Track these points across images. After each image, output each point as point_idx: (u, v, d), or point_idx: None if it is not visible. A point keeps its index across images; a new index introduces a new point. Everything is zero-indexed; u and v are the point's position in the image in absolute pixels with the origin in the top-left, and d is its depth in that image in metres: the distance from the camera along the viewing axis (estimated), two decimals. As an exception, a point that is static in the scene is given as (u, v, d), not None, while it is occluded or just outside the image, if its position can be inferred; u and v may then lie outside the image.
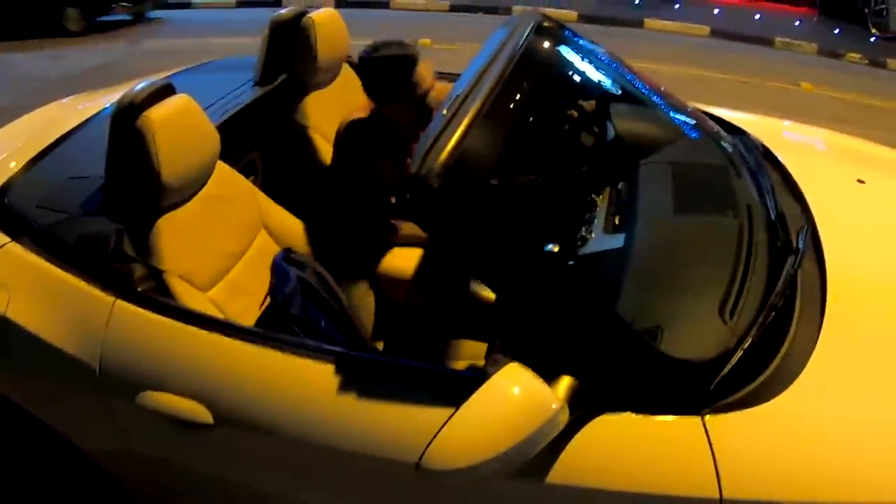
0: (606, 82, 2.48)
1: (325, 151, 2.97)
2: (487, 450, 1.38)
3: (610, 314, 1.63)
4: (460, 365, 2.51)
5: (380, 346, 2.61)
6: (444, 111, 1.68)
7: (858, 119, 7.52)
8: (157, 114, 2.04)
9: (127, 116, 2.03)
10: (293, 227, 2.61)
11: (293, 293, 2.10)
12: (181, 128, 2.12)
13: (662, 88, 2.62)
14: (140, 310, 1.92)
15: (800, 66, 10.41)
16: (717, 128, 2.63)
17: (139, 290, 1.96)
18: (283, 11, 3.16)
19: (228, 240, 2.34)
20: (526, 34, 2.09)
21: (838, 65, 11.13)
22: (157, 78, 2.32)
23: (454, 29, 10.70)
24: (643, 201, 2.13)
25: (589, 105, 2.40)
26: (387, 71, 2.67)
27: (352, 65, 3.37)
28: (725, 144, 2.49)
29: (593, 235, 2.02)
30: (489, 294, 2.52)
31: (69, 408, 2.05)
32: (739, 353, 1.60)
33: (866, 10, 13.61)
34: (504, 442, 1.38)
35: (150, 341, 1.90)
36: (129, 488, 2.20)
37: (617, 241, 2.00)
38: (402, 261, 2.74)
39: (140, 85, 2.13)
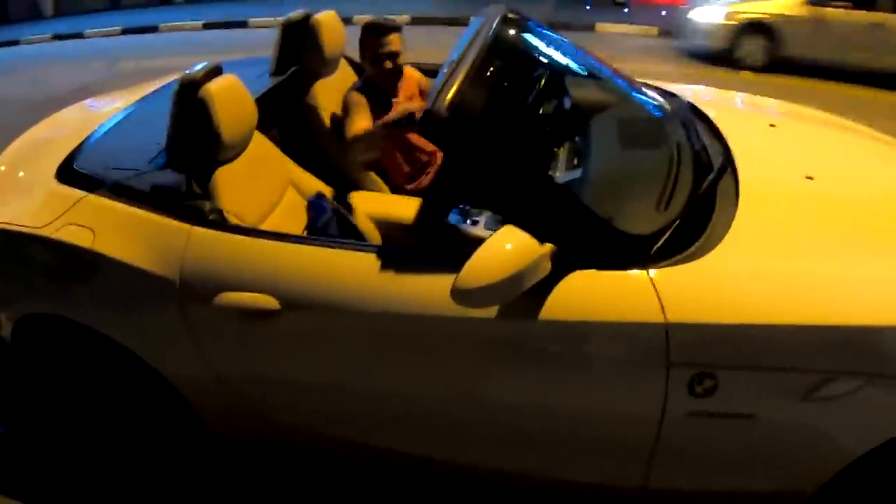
0: (561, 58, 3.11)
1: (330, 125, 3.62)
2: (497, 273, 1.96)
3: (580, 205, 2.24)
4: None
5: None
6: (445, 70, 2.31)
7: (794, 99, 8.17)
8: (215, 86, 2.61)
9: (190, 90, 2.61)
10: (314, 184, 3.21)
11: (329, 221, 2.73)
12: (232, 99, 2.69)
13: (607, 63, 3.25)
14: (214, 232, 2.45)
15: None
16: (653, 93, 3.27)
17: (210, 218, 2.50)
18: (292, 14, 3.83)
19: (267, 191, 2.90)
20: (496, 22, 2.71)
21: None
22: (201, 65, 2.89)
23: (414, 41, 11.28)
24: (595, 142, 2.76)
25: (547, 77, 3.03)
26: (367, 30, 3.48)
27: (347, 60, 4.09)
28: (660, 101, 3.13)
29: (558, 175, 2.64)
30: (478, 232, 3.10)
31: (149, 326, 2.53)
32: (670, 232, 2.21)
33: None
34: (506, 270, 1.97)
35: (224, 254, 2.42)
36: (198, 413, 2.70)
37: (577, 173, 2.63)
38: (404, 210, 3.31)
39: (196, 67, 2.70)
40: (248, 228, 2.53)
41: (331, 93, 3.69)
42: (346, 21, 3.86)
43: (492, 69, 2.39)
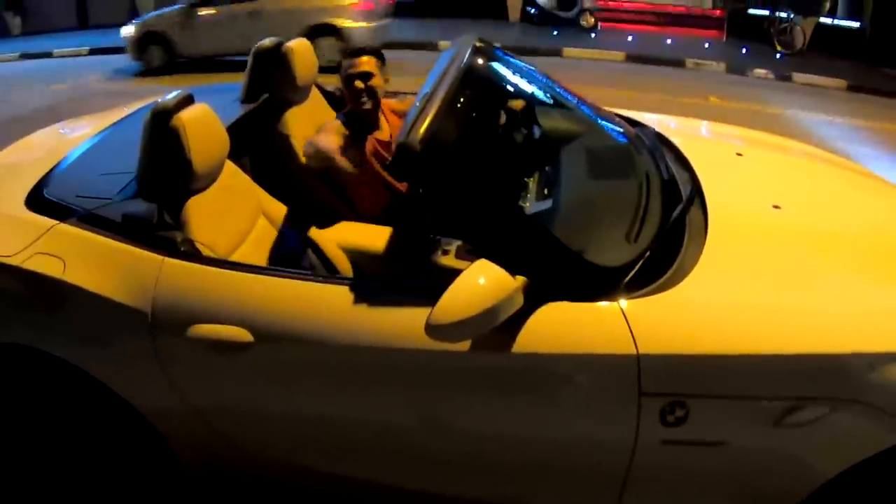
0: (531, 88, 3.15)
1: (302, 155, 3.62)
2: (471, 308, 1.99)
3: (551, 238, 2.28)
4: None
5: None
6: (417, 103, 2.34)
7: (761, 126, 8.30)
8: (187, 116, 2.60)
9: (162, 119, 2.59)
10: (284, 213, 3.19)
11: (300, 252, 2.78)
12: (205, 128, 2.67)
13: (576, 93, 3.30)
14: (185, 263, 2.45)
15: (709, 84, 11.28)
16: (621, 121, 3.32)
17: (182, 249, 2.49)
18: (264, 41, 3.83)
19: (238, 221, 2.89)
20: (468, 52, 2.75)
21: (745, 80, 12.03)
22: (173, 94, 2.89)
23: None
24: (565, 172, 2.81)
25: (517, 105, 3.07)
26: (342, 54, 3.55)
27: (319, 88, 4.10)
28: (628, 130, 3.18)
29: (528, 206, 2.67)
30: (448, 262, 3.13)
31: (121, 357, 2.50)
32: (641, 263, 2.25)
33: (772, 31, 14.59)
34: (480, 305, 1.99)
35: (196, 286, 2.42)
36: (170, 445, 2.66)
37: (547, 195, 2.67)
38: (375, 240, 3.32)
39: (168, 96, 2.68)
40: (220, 260, 2.53)
41: (302, 121, 3.70)
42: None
43: (463, 101, 2.43)
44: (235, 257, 2.75)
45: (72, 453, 2.94)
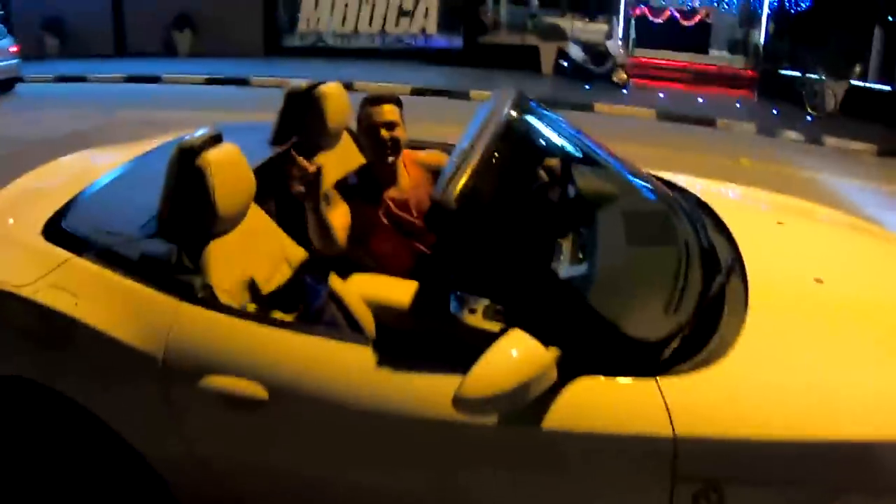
0: (569, 146, 3.06)
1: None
2: (503, 384, 1.87)
3: (586, 306, 2.17)
4: None
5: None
6: (454, 159, 2.24)
7: (793, 191, 8.20)
8: (214, 156, 2.52)
9: (188, 157, 2.51)
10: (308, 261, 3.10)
11: (323, 307, 2.60)
12: (231, 169, 2.59)
13: (613, 152, 3.21)
14: (202, 310, 2.35)
15: (740, 145, 11.13)
16: (659, 183, 3.22)
17: (199, 295, 2.40)
18: (296, 83, 3.75)
19: (260, 268, 2.78)
20: (506, 107, 2.66)
21: (776, 142, 11.88)
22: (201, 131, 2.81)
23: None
24: (602, 236, 2.70)
25: (554, 165, 2.98)
26: (361, 104, 3.29)
27: (350, 133, 3.97)
28: (668, 195, 3.08)
29: (563, 269, 2.57)
30: (475, 322, 3.02)
31: (128, 400, 2.41)
32: (681, 337, 2.13)
33: (803, 93, 14.44)
34: (513, 381, 1.88)
35: (212, 335, 2.32)
36: (173, 492, 2.55)
37: (583, 261, 2.56)
38: (400, 293, 3.18)
39: (196, 133, 2.61)
40: (238, 310, 2.44)
41: (330, 167, 3.56)
42: (348, 87, 3.81)
43: (501, 158, 2.35)
44: (255, 305, 2.65)
45: (70, 493, 2.82)
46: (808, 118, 13.68)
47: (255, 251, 2.79)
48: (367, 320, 2.93)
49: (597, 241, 2.67)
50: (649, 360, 2.07)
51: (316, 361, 2.24)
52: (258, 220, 2.87)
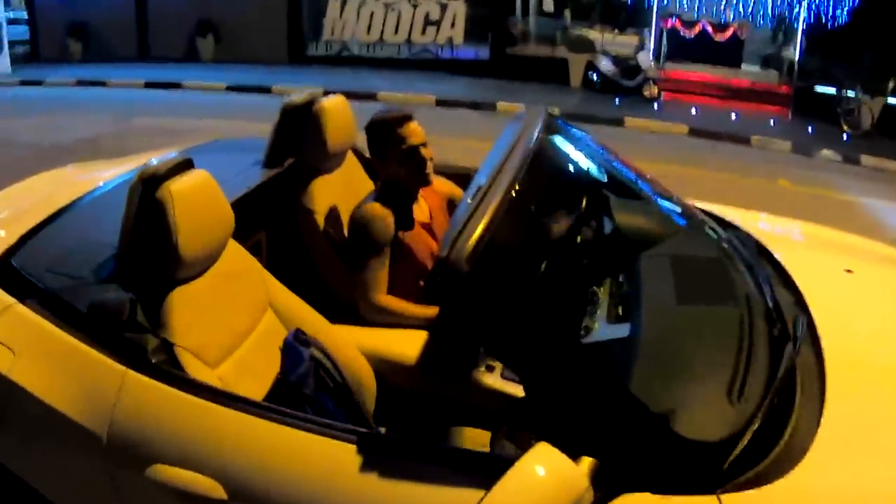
0: (606, 177, 2.62)
1: (328, 235, 3.08)
2: None
3: (627, 397, 1.71)
4: None
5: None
6: (469, 200, 1.80)
7: (832, 215, 7.76)
8: (178, 186, 2.10)
9: (148, 187, 2.10)
10: (299, 309, 2.63)
11: (306, 374, 2.17)
12: (199, 202, 2.18)
13: (658, 183, 2.76)
14: (153, 381, 1.94)
15: (777, 164, 10.66)
16: (710, 221, 2.76)
17: (152, 361, 1.99)
18: (294, 97, 3.26)
19: (237, 317, 2.36)
20: (537, 131, 2.23)
21: (812, 162, 11.42)
22: (174, 152, 2.40)
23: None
24: (646, 292, 2.24)
25: (587, 199, 2.54)
26: (381, 126, 2.93)
27: (356, 153, 3.52)
28: (720, 237, 2.62)
29: (597, 326, 2.13)
30: (492, 382, 2.59)
31: (70, 479, 2.04)
32: (749, 434, 1.67)
33: (838, 110, 13.98)
34: None
35: (163, 414, 1.91)
36: None
37: (621, 330, 2.11)
38: (405, 346, 2.77)
39: (161, 158, 2.22)
40: (195, 382, 1.99)
41: (331, 193, 3.17)
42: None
43: (526, 200, 1.91)
44: (231, 363, 2.23)
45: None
46: (844, 136, 13.18)
47: (232, 298, 2.35)
48: (364, 374, 2.52)
49: (639, 299, 2.21)
50: (710, 470, 1.61)
51: (289, 458, 1.81)
52: (236, 261, 2.43)
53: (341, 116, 3.21)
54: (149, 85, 14.94)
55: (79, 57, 17.92)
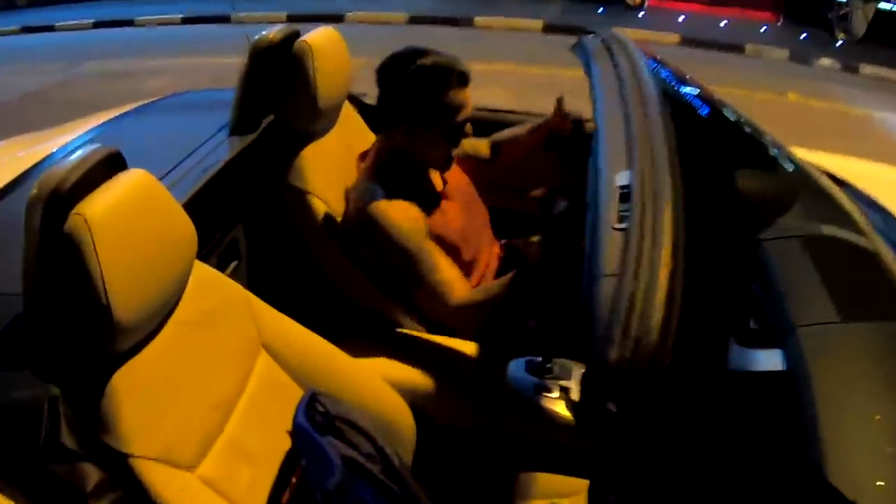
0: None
1: (329, 223, 2.29)
2: None
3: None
4: None
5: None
6: (618, 224, 1.10)
7: (856, 132, 7.21)
8: (97, 209, 1.33)
9: (53, 212, 1.33)
10: (301, 343, 1.91)
11: (341, 489, 1.48)
12: (136, 228, 1.40)
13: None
14: None
15: (778, 75, 10.16)
16: (835, 183, 2.11)
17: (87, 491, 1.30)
18: (267, 33, 2.39)
19: (216, 381, 1.65)
20: (651, 84, 1.54)
21: (813, 72, 10.94)
22: (94, 126, 1.63)
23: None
24: (792, 302, 1.57)
25: None
26: (435, 80, 2.11)
27: (352, 100, 2.75)
28: (863, 209, 1.97)
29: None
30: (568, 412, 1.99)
31: None
32: None
33: (830, 15, 13.43)
34: None
35: None
36: None
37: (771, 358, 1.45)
38: (447, 371, 2.15)
39: (72, 156, 1.41)
40: None
41: (328, 163, 2.39)
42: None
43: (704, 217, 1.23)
44: (218, 452, 1.56)
45: None
46: (838, 43, 12.70)
47: (205, 354, 1.63)
48: (402, 416, 1.91)
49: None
50: None
51: None
52: (206, 295, 1.68)
53: (334, 57, 2.39)
54: (98, 24, 13.85)
55: (25, 3, 16.61)
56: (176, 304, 1.56)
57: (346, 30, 2.44)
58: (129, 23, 13.69)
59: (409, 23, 12.32)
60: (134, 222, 1.38)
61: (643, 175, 1.14)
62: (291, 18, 11.75)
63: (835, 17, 13.35)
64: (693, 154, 1.36)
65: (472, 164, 2.60)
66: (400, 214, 2.13)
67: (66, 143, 2.41)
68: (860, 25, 12.98)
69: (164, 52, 10.52)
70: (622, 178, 1.19)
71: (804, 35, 13.02)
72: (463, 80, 2.12)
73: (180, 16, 13.66)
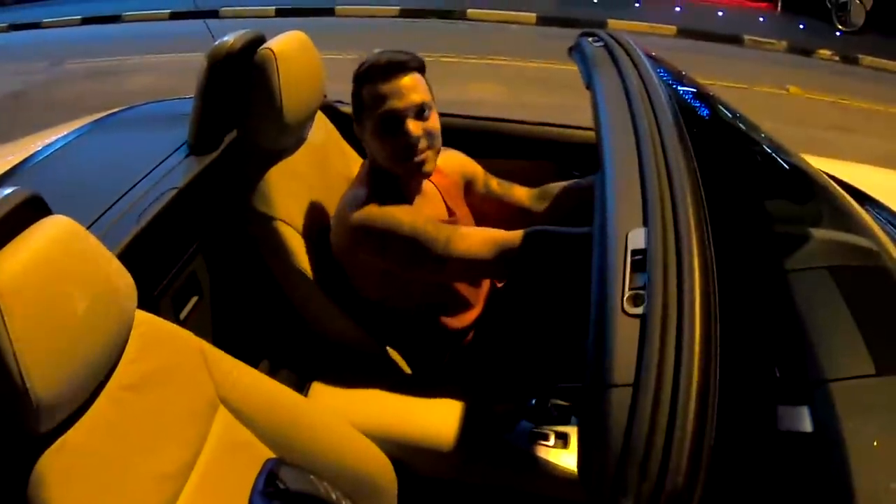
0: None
1: (300, 252, 2.03)
2: None
3: None
4: None
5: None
6: (632, 309, 0.88)
7: (860, 126, 7.04)
8: (6, 273, 1.12)
9: None
10: (266, 392, 1.68)
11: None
12: (56, 290, 1.19)
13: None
14: None
15: (778, 68, 10.00)
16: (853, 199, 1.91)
17: None
18: (228, 39, 2.12)
19: (166, 449, 1.42)
20: (665, 95, 1.33)
21: (813, 63, 10.76)
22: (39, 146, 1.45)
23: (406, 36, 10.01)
24: (820, 343, 1.37)
25: None
26: (358, 77, 1.94)
27: (326, 109, 2.50)
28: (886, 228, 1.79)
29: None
30: (565, 462, 1.80)
31: None
32: None
33: (829, 4, 13.28)
34: None
35: None
36: None
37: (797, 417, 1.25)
38: (434, 418, 1.93)
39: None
40: None
41: (298, 184, 2.12)
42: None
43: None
44: None
45: None
46: (837, 33, 12.50)
47: (151, 419, 1.41)
48: (382, 470, 1.71)
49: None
50: None
51: None
52: (150, 353, 1.45)
53: (303, 65, 2.13)
54: (86, 21, 13.57)
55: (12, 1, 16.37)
56: (113, 368, 1.37)
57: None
58: (116, 18, 13.45)
59: (401, 16, 11.97)
60: (53, 284, 1.18)
61: (664, 235, 0.93)
62: (280, 13, 11.62)
63: (833, 6, 13.21)
64: (715, 188, 1.15)
65: (505, 208, 2.33)
66: (386, 206, 1.88)
67: None
68: (859, 15, 12.83)
69: (150, 49, 10.26)
70: (636, 240, 0.98)
71: (801, 25, 12.88)
72: (384, 72, 1.89)
73: (168, 11, 13.39)
